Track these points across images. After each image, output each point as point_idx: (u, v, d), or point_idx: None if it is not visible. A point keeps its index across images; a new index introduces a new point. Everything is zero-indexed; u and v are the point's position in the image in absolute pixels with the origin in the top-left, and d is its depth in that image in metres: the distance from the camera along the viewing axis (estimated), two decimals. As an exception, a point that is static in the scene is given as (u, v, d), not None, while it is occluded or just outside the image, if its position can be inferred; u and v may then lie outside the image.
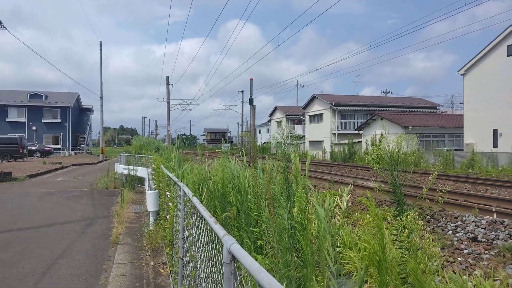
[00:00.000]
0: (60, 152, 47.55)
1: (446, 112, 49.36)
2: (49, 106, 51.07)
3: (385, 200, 8.83)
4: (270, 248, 3.51)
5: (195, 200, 3.07)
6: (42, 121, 50.65)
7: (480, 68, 24.52)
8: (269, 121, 63.31)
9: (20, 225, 8.45)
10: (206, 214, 2.51)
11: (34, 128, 49.94)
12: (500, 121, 22.91)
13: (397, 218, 4.16)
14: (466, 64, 25.53)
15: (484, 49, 24.15)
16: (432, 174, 6.61)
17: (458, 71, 26.26)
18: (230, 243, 1.72)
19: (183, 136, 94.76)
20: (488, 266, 4.89)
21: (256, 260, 3.07)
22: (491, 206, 7.98)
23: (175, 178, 4.99)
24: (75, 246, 6.79)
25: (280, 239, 3.25)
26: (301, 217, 3.39)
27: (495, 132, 23.36)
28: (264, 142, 60.31)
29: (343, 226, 5.19)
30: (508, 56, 22.62)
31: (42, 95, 52.18)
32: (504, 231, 6.03)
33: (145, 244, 6.81)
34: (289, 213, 3.71)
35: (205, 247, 2.72)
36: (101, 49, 36.19)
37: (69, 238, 7.30)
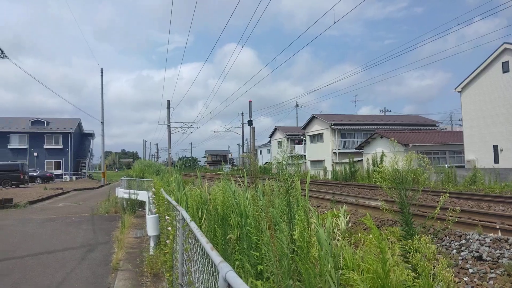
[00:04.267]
0: (62, 178, 47.50)
1: (446, 129, 49.45)
2: (50, 132, 51.37)
3: (387, 220, 8.75)
4: (271, 273, 3.46)
5: (193, 225, 3.05)
6: (44, 147, 50.84)
7: (477, 85, 24.73)
8: (269, 141, 63.45)
9: (19, 253, 8.35)
10: (203, 240, 2.49)
11: (35, 154, 50.07)
12: (500, 137, 22.93)
13: (405, 239, 4.10)
14: (462, 82, 25.77)
15: (479, 66, 24.43)
16: (443, 194, 6.55)
17: (455, 89, 26.47)
18: (225, 270, 1.70)
19: (184, 159, 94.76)
20: (494, 286, 4.80)
21: (256, 286, 3.02)
22: (495, 223, 7.89)
23: (174, 202, 4.97)
24: (74, 273, 6.70)
25: (279, 263, 3.21)
26: (301, 240, 3.36)
27: (495, 147, 23.34)
28: (266, 163, 60.20)
29: (344, 247, 5.12)
30: (503, 72, 22.86)
31: (44, 122, 52.57)
32: (509, 249, 5.94)
33: (145, 269, 6.72)
34: (290, 235, 3.68)
35: (203, 274, 2.69)
36: (102, 75, 36.74)
37: (69, 266, 7.20)
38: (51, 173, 45.16)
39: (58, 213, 15.54)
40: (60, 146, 51.42)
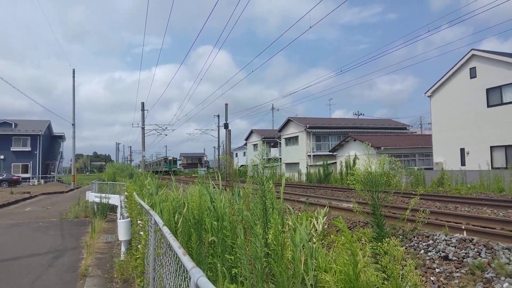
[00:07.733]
0: (29, 181, 45.76)
1: (416, 132, 50.99)
2: (18, 134, 49.43)
3: (359, 221, 8.92)
4: (244, 277, 3.45)
5: (166, 230, 3.01)
6: (11, 149, 48.82)
7: (446, 90, 25.63)
8: (245, 144, 63.42)
9: (-18, 261, 7.98)
10: (175, 245, 2.46)
11: (2, 157, 48.02)
12: (467, 140, 23.84)
13: (376, 240, 4.18)
14: (432, 86, 26.64)
15: (448, 71, 25.34)
16: (413, 196, 6.75)
17: (425, 93, 27.33)
18: (197, 276, 1.68)
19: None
20: (459, 284, 4.98)
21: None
22: (461, 223, 8.19)
23: (146, 207, 4.88)
24: (41, 280, 6.46)
25: (253, 267, 3.22)
26: (275, 243, 3.37)
27: (462, 150, 24.24)
28: (241, 166, 60.13)
29: (318, 248, 5.18)
30: (471, 78, 23.79)
31: (12, 123, 50.55)
32: (474, 249, 6.18)
33: (115, 275, 6.56)
34: (265, 239, 3.68)
35: (175, 279, 2.65)
36: (73, 76, 35.64)
37: (35, 272, 6.94)
38: (18, 176, 43.45)
39: (24, 218, 14.96)
40: (28, 148, 49.52)
